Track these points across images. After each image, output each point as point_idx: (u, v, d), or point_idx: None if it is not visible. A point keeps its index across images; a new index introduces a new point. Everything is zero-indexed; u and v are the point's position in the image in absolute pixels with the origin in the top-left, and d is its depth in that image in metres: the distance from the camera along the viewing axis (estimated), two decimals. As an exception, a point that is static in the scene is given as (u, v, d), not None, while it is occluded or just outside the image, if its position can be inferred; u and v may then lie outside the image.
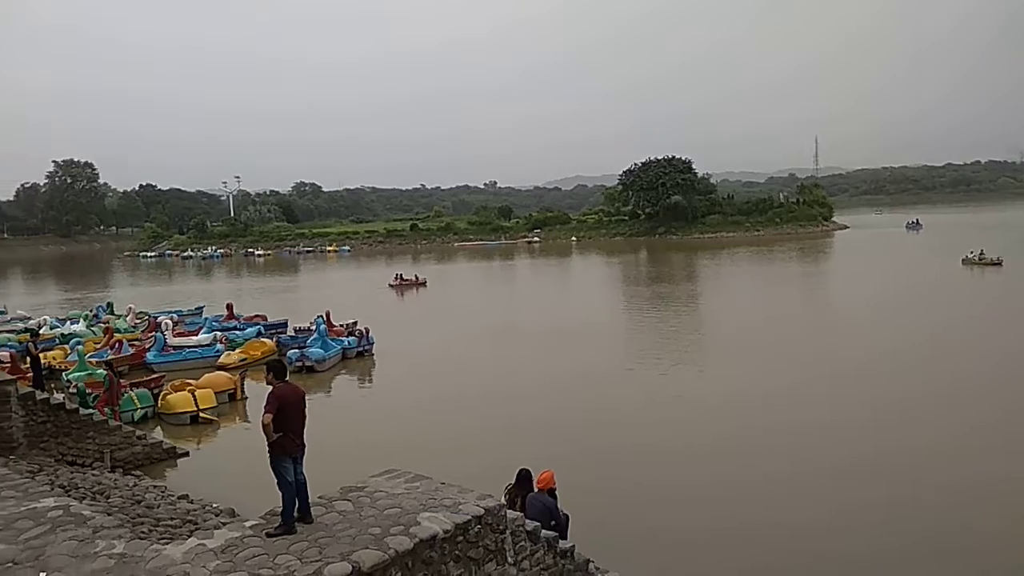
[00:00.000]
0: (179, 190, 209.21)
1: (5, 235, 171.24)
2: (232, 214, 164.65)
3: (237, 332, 32.37)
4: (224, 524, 9.90)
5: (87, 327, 34.35)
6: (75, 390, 20.70)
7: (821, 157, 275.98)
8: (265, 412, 7.34)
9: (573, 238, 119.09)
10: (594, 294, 50.74)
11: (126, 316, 37.29)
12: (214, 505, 13.31)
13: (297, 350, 27.02)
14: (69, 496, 10.19)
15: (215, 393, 21.67)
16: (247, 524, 7.71)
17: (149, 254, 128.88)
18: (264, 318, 36.39)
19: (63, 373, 24.36)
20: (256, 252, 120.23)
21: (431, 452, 15.90)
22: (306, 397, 8.06)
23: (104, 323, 35.29)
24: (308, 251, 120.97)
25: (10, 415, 15.29)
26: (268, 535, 7.26)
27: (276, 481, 7.50)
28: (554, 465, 10.84)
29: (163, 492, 14.14)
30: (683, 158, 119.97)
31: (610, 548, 11.11)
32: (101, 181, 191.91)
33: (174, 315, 37.25)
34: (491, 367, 26.79)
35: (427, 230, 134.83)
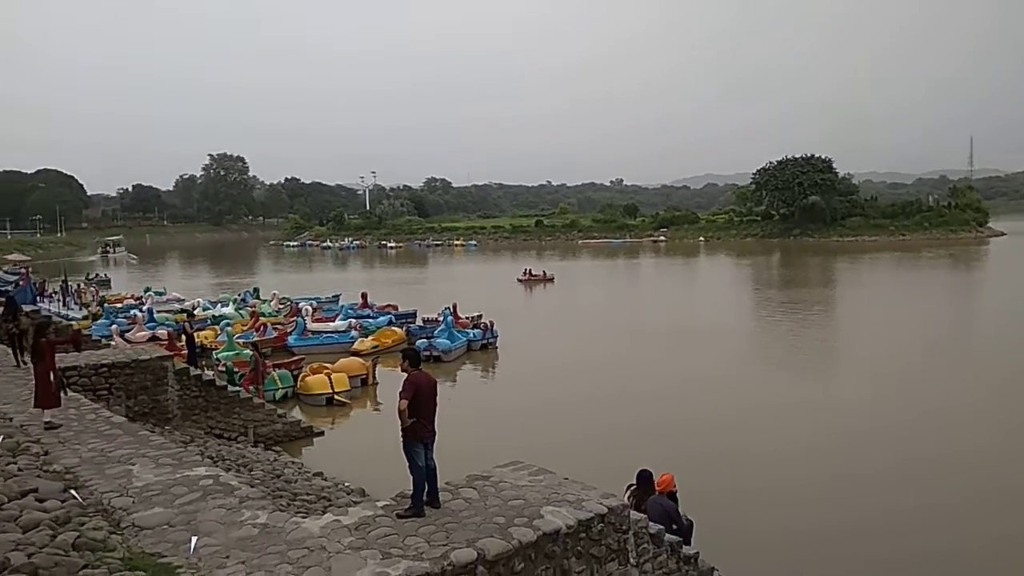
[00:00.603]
0: (320, 183, 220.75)
1: (165, 222, 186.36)
2: (367, 207, 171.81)
3: (370, 320, 33.73)
4: (356, 503, 10.37)
5: (236, 310, 36.86)
6: (224, 368, 22.27)
7: (976, 158, 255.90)
8: (401, 398, 7.60)
9: (701, 238, 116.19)
10: (721, 296, 49.27)
11: (270, 301, 39.69)
12: (346, 484, 13.93)
13: (425, 340, 27.85)
14: (217, 466, 10.93)
15: (349, 377, 22.68)
16: (378, 504, 8.01)
17: (292, 243, 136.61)
18: (395, 308, 37.73)
19: (213, 352, 26.19)
20: (388, 244, 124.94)
21: (550, 447, 15.93)
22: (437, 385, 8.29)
23: (251, 307, 37.70)
24: (437, 245, 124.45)
25: (167, 389, 16.68)
26: (398, 516, 7.52)
27: (407, 465, 7.76)
28: (674, 468, 10.64)
29: (300, 468, 14.95)
30: (823, 156, 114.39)
31: (736, 558, 10.75)
32: (251, 174, 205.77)
33: (313, 302, 39.28)
34: (613, 366, 26.56)
35: (552, 227, 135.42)
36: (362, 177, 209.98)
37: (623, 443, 17.03)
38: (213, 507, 7.88)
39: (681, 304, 45.47)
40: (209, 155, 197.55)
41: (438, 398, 8.07)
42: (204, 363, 23.84)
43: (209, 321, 33.49)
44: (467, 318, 31.99)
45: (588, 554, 7.68)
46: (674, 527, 9.42)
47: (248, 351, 23.67)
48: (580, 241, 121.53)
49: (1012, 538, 12.26)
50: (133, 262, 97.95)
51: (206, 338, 29.05)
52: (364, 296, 38.73)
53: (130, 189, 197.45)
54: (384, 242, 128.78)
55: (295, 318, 33.03)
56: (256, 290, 45.04)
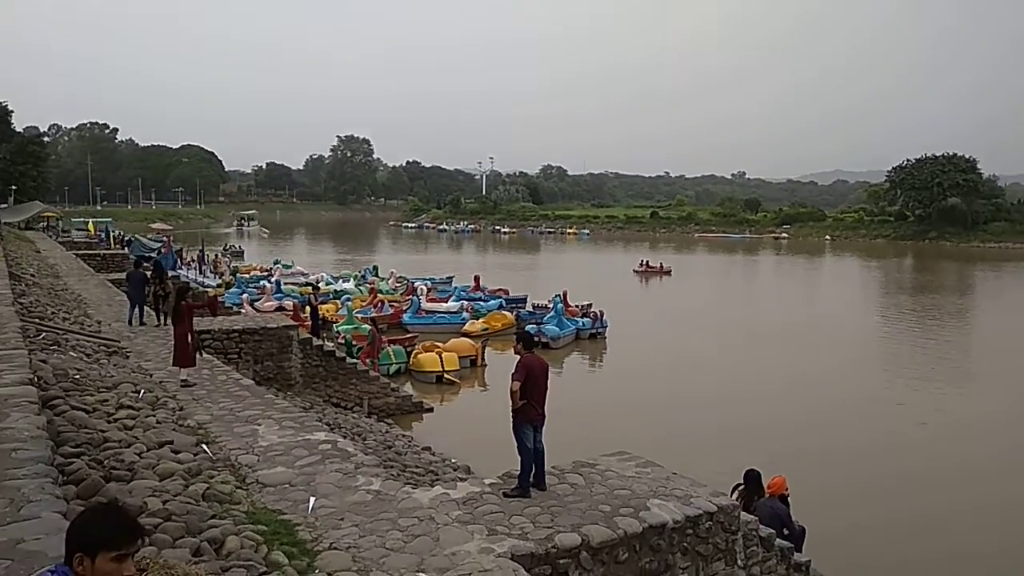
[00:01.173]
0: (440, 167, 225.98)
1: (294, 199, 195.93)
2: (484, 192, 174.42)
3: (481, 303, 34.27)
4: (462, 479, 10.58)
5: (356, 286, 38.31)
6: (343, 341, 23.19)
7: None
8: (513, 379, 7.67)
9: (827, 237, 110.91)
10: (845, 298, 46.93)
11: (388, 279, 41.00)
12: (452, 460, 14.25)
13: (534, 326, 28.00)
14: (335, 433, 11.41)
15: (459, 357, 23.15)
16: (486, 482, 8.15)
17: (410, 225, 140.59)
18: (506, 292, 38.15)
19: (334, 325, 27.32)
20: (502, 229, 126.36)
21: (655, 440, 15.68)
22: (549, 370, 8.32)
23: (370, 284, 39.07)
24: (549, 232, 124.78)
25: (291, 356, 17.56)
26: (505, 495, 7.62)
27: (516, 445, 7.84)
28: (783, 471, 10.26)
29: (410, 442, 15.42)
30: (966, 156, 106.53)
31: (848, 568, 10.28)
32: (375, 156, 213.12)
33: (428, 282, 40.30)
34: (725, 363, 25.85)
35: (667, 219, 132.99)
36: (480, 163, 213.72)
37: (730, 441, 16.59)
38: (330, 471, 8.23)
39: (801, 304, 43.66)
40: (337, 136, 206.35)
41: (548, 382, 8.11)
42: (325, 335, 24.93)
43: (331, 295, 34.95)
44: (577, 306, 31.94)
45: (694, 551, 7.53)
46: (785, 532, 9.10)
47: (366, 326, 24.57)
48: (696, 235, 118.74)
49: None
50: (264, 236, 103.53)
51: (327, 311, 30.31)
52: (477, 279, 39.34)
53: (264, 167, 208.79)
54: (498, 227, 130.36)
55: (411, 297, 33.98)
56: (375, 268, 46.61)
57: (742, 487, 10.04)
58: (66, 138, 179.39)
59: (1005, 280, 60.14)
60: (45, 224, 59.68)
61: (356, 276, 42.24)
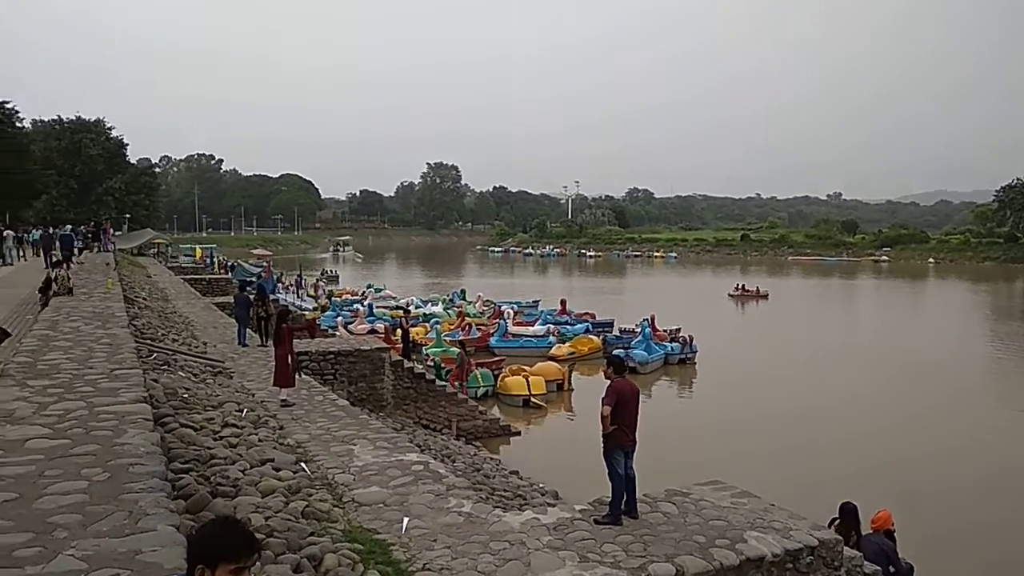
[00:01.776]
0: (526, 192, 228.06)
1: (385, 225, 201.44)
2: (569, 216, 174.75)
3: (568, 327, 34.18)
4: (551, 504, 10.52)
5: (444, 309, 38.92)
6: (432, 363, 23.54)
7: None
8: (604, 404, 7.61)
9: (930, 260, 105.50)
10: (949, 325, 44.39)
11: (475, 303, 41.47)
12: (540, 485, 14.19)
13: (622, 350, 27.69)
14: (425, 454, 11.57)
15: (546, 381, 23.13)
16: (576, 508, 8.09)
17: (496, 249, 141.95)
18: (592, 316, 37.92)
19: (423, 347, 27.80)
20: (588, 253, 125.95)
21: (750, 470, 15.18)
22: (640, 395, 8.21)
23: (458, 307, 39.64)
24: (636, 255, 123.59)
25: (383, 378, 17.95)
26: (596, 522, 7.54)
27: (607, 471, 7.75)
28: (883, 505, 9.75)
29: (498, 465, 15.45)
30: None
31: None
32: (463, 182, 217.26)
33: (514, 306, 40.52)
34: (824, 392, 24.80)
35: (759, 241, 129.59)
36: (565, 187, 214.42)
37: (827, 473, 15.92)
38: (423, 491, 8.35)
39: (907, 331, 41.53)
40: (427, 163, 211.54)
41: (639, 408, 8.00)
42: (415, 357, 25.39)
43: (420, 319, 35.61)
44: (665, 331, 31.43)
45: (794, 587, 7.24)
46: (891, 570, 8.64)
47: (455, 349, 24.88)
48: (790, 258, 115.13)
49: None
50: (358, 261, 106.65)
51: (417, 334, 30.89)
52: (563, 303, 39.29)
53: (357, 194, 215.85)
54: (584, 251, 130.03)
55: (497, 320, 34.22)
56: (463, 292, 47.23)
57: (838, 521, 9.61)
58: (175, 169, 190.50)
59: None
60: (156, 250, 63.26)
61: (444, 300, 42.93)
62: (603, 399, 7.67)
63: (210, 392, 11.81)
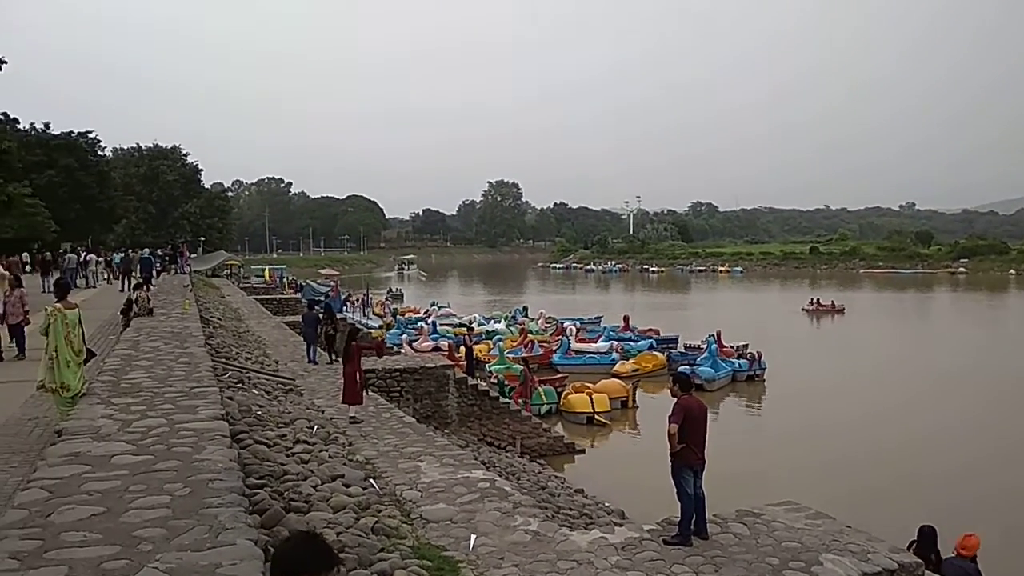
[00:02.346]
0: (586, 208, 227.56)
1: (448, 243, 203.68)
2: (631, 232, 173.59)
3: (631, 343, 33.88)
4: (617, 524, 10.41)
5: (506, 326, 39.05)
6: (496, 380, 23.64)
7: None
8: (671, 422, 7.52)
9: (1011, 271, 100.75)
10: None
11: (538, 320, 41.50)
12: (606, 504, 14.06)
13: (688, 367, 27.26)
14: (491, 471, 11.60)
15: (610, 399, 22.94)
16: (644, 527, 7.99)
17: (557, 266, 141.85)
18: (656, 332, 37.49)
19: (486, 364, 27.92)
20: (650, 269, 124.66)
21: (823, 491, 14.72)
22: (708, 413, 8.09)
23: (520, 324, 39.70)
24: (700, 270, 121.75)
25: (447, 395, 18.12)
26: (665, 542, 7.43)
27: (675, 491, 7.64)
28: (964, 531, 9.30)
29: (562, 483, 15.37)
30: None
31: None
32: (523, 199, 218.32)
33: (576, 322, 40.38)
34: (900, 412, 23.87)
35: (828, 254, 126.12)
36: (626, 202, 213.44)
37: (905, 496, 15.30)
38: (489, 509, 8.37)
39: (991, 346, 39.69)
40: (488, 182, 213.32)
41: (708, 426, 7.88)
42: (478, 374, 25.52)
43: (483, 336, 35.81)
44: (732, 347, 30.83)
45: (873, 613, 6.98)
46: (976, 598, 8.26)
47: (518, 366, 24.94)
48: (861, 270, 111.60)
49: None
50: (423, 279, 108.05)
51: (480, 351, 31.05)
52: (626, 319, 38.98)
53: (420, 213, 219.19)
54: (646, 266, 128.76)
55: (560, 337, 34.15)
56: (525, 308, 47.33)
57: (916, 544, 9.26)
58: (247, 192, 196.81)
59: None
60: (229, 271, 65.35)
61: (507, 317, 43.08)
62: (670, 417, 7.57)
63: (282, 409, 12.12)
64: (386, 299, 55.82)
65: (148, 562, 4.29)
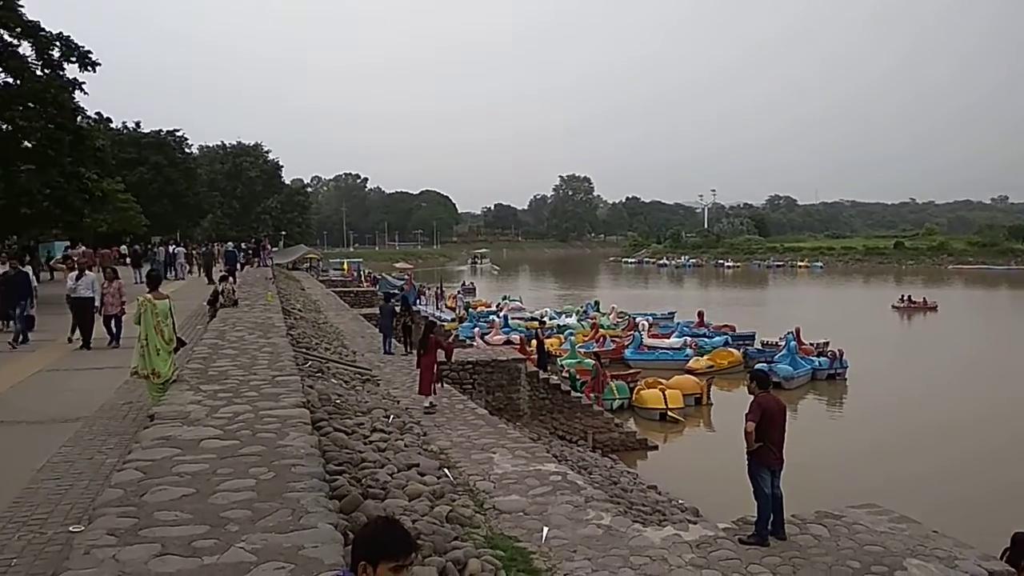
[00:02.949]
0: (659, 202, 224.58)
1: (519, 238, 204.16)
2: (705, 226, 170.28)
3: (706, 339, 33.29)
4: (691, 521, 10.28)
5: (578, 321, 38.93)
6: (567, 375, 23.62)
7: None
8: (748, 420, 7.37)
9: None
10: None
11: (609, 314, 41.21)
12: (680, 501, 13.88)
13: (764, 364, 26.62)
14: (563, 465, 11.62)
15: (683, 395, 22.63)
16: (720, 526, 7.86)
17: (629, 260, 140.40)
18: (732, 328, 36.70)
19: (557, 359, 27.92)
20: (726, 264, 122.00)
21: (907, 494, 14.17)
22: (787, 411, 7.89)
23: (591, 319, 39.52)
24: (778, 265, 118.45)
25: (519, 388, 18.21)
26: (741, 541, 7.30)
27: (752, 490, 7.49)
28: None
29: (635, 479, 15.26)
30: None
31: None
32: (595, 193, 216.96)
33: (649, 317, 39.90)
34: (991, 416, 22.67)
35: (914, 249, 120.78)
36: (701, 196, 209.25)
37: (996, 501, 14.57)
38: (561, 502, 8.39)
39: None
40: (559, 176, 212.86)
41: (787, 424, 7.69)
42: (549, 368, 25.54)
43: (554, 330, 35.79)
44: (812, 344, 29.93)
45: (962, 623, 6.70)
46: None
47: (589, 360, 24.84)
48: (950, 266, 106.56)
49: None
50: (495, 273, 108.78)
51: (551, 345, 31.05)
52: (700, 315, 38.29)
53: (492, 207, 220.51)
54: (721, 261, 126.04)
55: (632, 332, 33.84)
56: (597, 303, 47.04)
57: (1009, 551, 8.80)
58: (325, 188, 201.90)
59: None
60: (308, 265, 67.16)
61: (578, 311, 42.93)
62: (747, 415, 7.43)
63: (359, 398, 12.42)
64: (459, 292, 56.40)
65: (235, 542, 4.47)
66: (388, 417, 11.19)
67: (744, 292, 74.42)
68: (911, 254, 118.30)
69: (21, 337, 14.74)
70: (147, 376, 9.06)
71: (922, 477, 16.44)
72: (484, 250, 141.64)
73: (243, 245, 49.36)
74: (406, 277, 58.00)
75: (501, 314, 39.33)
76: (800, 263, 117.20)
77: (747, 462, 7.52)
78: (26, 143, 24.21)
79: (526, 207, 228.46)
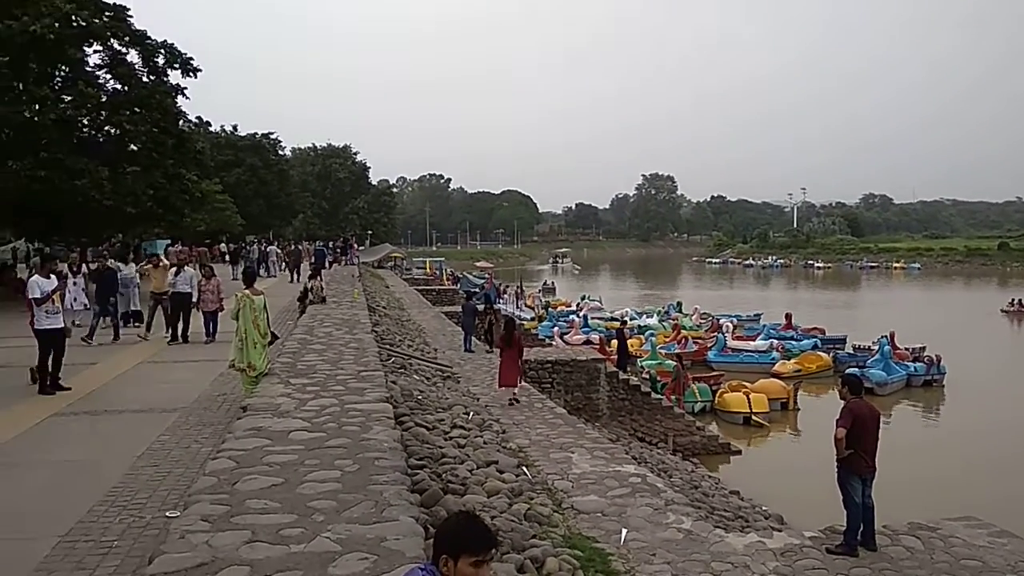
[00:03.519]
0: (746, 201, 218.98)
1: (600, 237, 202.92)
2: (795, 225, 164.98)
3: (793, 342, 32.29)
4: (776, 529, 10.00)
5: (659, 321, 38.40)
6: (647, 376, 23.34)
7: None
8: (839, 426, 7.13)
9: None
10: None
11: (692, 315, 40.49)
12: (763, 508, 13.52)
13: (856, 369, 25.59)
14: (642, 467, 11.50)
15: (768, 399, 22.01)
16: (806, 534, 7.64)
17: (714, 260, 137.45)
18: (822, 331, 35.48)
19: (638, 359, 27.60)
20: (816, 264, 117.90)
21: (1004, 508, 13.33)
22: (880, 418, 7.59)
23: (673, 320, 38.89)
24: (871, 266, 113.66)
25: (598, 388, 18.12)
26: (828, 551, 7.07)
27: (842, 499, 7.25)
28: None
29: (717, 484, 14.94)
30: None
31: None
32: (678, 192, 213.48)
33: (733, 319, 38.97)
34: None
35: (1020, 250, 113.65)
36: (790, 194, 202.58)
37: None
38: (641, 504, 8.32)
39: None
40: (642, 175, 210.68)
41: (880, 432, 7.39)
42: (629, 369, 25.29)
43: (635, 330, 35.42)
44: (908, 349, 28.61)
45: (1071, 648, 6.29)
46: None
47: (671, 362, 24.48)
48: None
49: None
50: (576, 272, 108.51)
51: (631, 346, 30.74)
52: (788, 317, 37.12)
53: (573, 207, 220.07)
54: (811, 261, 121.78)
55: (715, 334, 33.14)
56: (679, 304, 46.29)
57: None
58: (409, 188, 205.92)
59: None
60: (392, 263, 68.69)
61: (660, 312, 42.35)
62: (838, 421, 7.18)
63: (440, 395, 12.63)
64: (540, 292, 56.51)
65: (321, 532, 4.63)
66: (468, 414, 11.33)
67: (835, 294, 71.75)
68: (1017, 255, 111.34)
69: (113, 334, 15.56)
70: (243, 369, 9.46)
71: (1011, 490, 15.48)
72: (565, 249, 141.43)
73: (331, 244, 50.85)
74: (487, 276, 58.45)
75: (581, 314, 39.20)
76: (896, 264, 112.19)
77: (837, 470, 7.28)
78: (132, 146, 25.59)
79: (607, 206, 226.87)
